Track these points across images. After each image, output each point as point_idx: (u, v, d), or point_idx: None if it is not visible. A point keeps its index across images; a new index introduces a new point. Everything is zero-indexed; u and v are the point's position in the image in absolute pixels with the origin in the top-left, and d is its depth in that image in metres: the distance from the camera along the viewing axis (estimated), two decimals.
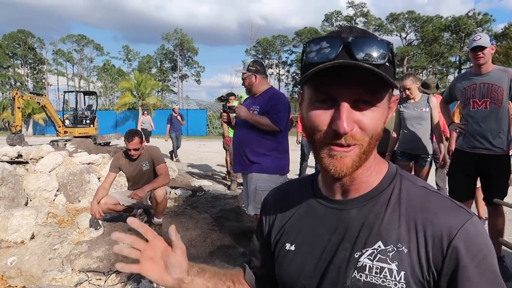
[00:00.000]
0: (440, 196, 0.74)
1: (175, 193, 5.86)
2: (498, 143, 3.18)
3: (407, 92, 4.05)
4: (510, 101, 3.21)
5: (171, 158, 11.32)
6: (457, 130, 3.42)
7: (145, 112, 16.09)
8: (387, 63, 0.67)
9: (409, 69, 52.62)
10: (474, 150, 3.28)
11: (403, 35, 57.33)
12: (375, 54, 0.65)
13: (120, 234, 0.84)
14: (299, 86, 0.77)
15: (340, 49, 0.66)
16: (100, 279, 3.16)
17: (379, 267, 0.70)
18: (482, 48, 3.10)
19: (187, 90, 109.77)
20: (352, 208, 0.78)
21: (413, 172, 4.11)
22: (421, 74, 56.27)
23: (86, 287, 3.04)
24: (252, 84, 3.37)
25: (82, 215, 4.22)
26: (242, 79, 3.44)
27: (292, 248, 0.85)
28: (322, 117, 0.69)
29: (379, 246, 0.71)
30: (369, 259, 0.71)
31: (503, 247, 3.18)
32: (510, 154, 3.17)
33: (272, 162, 3.33)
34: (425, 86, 5.03)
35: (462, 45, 49.87)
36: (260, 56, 67.89)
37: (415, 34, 55.93)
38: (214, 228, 4.18)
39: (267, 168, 3.34)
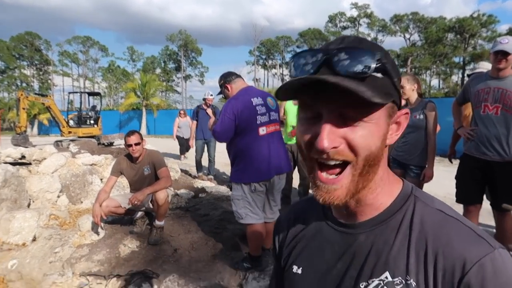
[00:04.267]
0: (458, 223, 0.65)
1: (177, 195, 5.83)
2: (506, 150, 3.11)
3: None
4: None
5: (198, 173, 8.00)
6: (466, 136, 3.34)
7: (182, 112, 11.71)
8: (377, 74, 0.62)
9: (413, 70, 52.41)
10: (481, 156, 3.21)
11: (407, 36, 57.13)
12: (356, 65, 0.60)
13: None
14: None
15: (320, 62, 0.62)
16: (101, 283, 3.14)
17: None
18: (505, 53, 2.95)
19: (191, 90, 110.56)
20: (360, 233, 0.72)
21: None
22: (424, 75, 56.08)
23: None
24: (228, 95, 3.38)
25: (84, 217, 4.20)
26: (224, 97, 3.49)
27: (299, 271, 0.80)
28: (306, 133, 0.66)
29: (386, 277, 0.65)
30: None
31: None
32: None
33: (234, 170, 3.31)
34: None
35: (466, 46, 49.58)
36: (264, 57, 67.97)
37: (419, 35, 55.65)
38: (216, 231, 4.14)
39: (232, 177, 3.35)
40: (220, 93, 3.50)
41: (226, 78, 3.36)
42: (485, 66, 4.19)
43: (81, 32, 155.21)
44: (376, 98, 0.59)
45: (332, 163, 0.64)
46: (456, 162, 3.66)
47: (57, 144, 10.59)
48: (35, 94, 16.04)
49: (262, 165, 3.17)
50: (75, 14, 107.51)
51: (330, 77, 0.59)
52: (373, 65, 0.61)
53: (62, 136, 14.69)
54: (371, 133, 0.63)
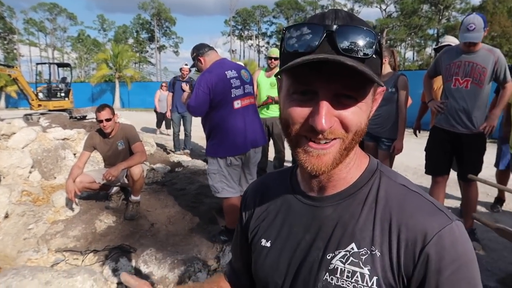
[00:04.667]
0: (420, 196, 0.70)
1: (153, 169, 5.80)
2: (474, 122, 3.22)
3: None
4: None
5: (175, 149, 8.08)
6: (436, 109, 3.42)
7: (164, 85, 11.16)
8: (374, 55, 0.63)
9: (388, 42, 52.67)
10: (451, 128, 3.31)
11: (383, 7, 57.06)
12: (361, 45, 0.61)
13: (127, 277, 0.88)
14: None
15: (323, 38, 0.61)
16: (77, 258, 3.13)
17: (351, 270, 0.67)
18: (474, 44, 3.07)
19: (165, 61, 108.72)
20: (327, 206, 0.74)
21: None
22: (399, 47, 56.44)
23: (63, 267, 3.00)
24: (202, 68, 3.31)
25: (58, 193, 4.14)
26: (197, 70, 3.42)
27: (268, 244, 0.82)
28: (299, 111, 0.65)
29: (352, 248, 0.68)
30: (341, 261, 0.68)
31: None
32: (484, 132, 3.20)
33: (209, 144, 3.31)
34: None
35: (440, 17, 50.00)
36: (240, 27, 66.80)
37: (395, 6, 55.70)
38: (193, 205, 4.16)
39: (207, 152, 3.36)
40: (193, 66, 3.43)
41: (199, 51, 3.28)
42: (450, 39, 4.29)
43: None
44: (378, 79, 0.62)
45: (323, 142, 0.65)
46: (426, 135, 3.76)
47: (26, 117, 10.25)
48: (0, 65, 15.30)
49: (237, 139, 3.17)
50: None
51: (348, 60, 0.59)
52: (375, 47, 0.62)
53: (31, 110, 14.20)
54: (362, 111, 0.65)
